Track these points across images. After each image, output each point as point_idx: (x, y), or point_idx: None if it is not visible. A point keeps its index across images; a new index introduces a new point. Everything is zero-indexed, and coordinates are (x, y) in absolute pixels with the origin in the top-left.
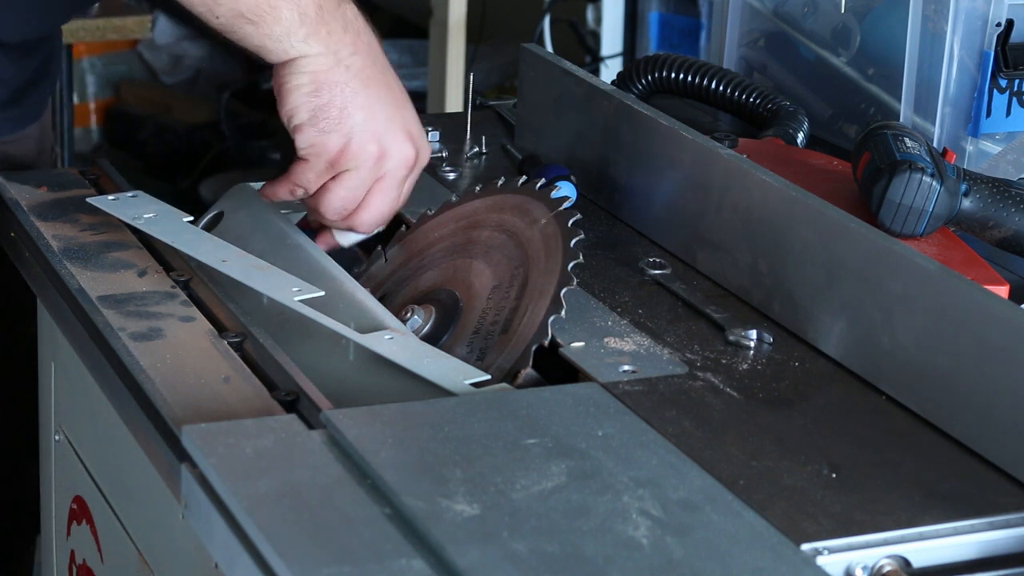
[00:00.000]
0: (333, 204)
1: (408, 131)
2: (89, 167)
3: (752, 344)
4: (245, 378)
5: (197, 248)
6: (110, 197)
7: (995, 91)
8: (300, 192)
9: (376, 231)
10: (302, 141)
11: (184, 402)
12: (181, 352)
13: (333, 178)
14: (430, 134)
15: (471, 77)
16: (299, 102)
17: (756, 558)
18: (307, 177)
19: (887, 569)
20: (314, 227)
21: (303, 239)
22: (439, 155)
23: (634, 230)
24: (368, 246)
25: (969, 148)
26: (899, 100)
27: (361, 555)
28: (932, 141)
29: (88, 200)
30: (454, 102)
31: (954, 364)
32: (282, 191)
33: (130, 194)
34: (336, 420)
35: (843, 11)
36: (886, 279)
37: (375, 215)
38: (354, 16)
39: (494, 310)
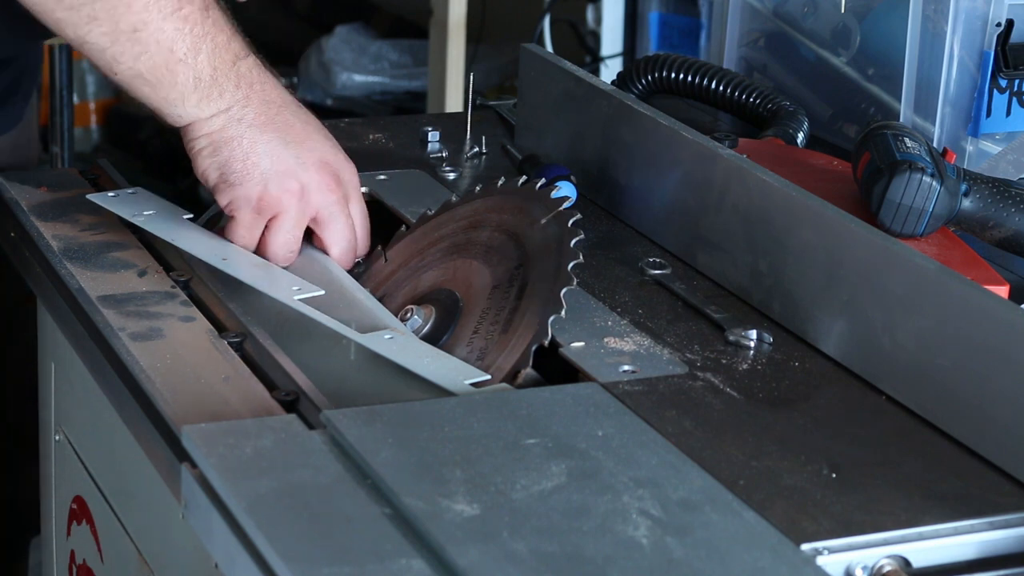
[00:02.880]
0: (277, 251)
1: (320, 160)
2: (89, 167)
3: (752, 344)
4: (245, 378)
5: (197, 246)
6: (110, 194)
7: (995, 91)
8: (247, 241)
9: (358, 258)
10: (221, 199)
11: (184, 402)
12: (181, 352)
13: (268, 228)
14: (430, 134)
15: (471, 77)
16: (205, 164)
17: (756, 558)
18: (240, 232)
19: (887, 569)
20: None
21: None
22: (439, 155)
23: (634, 230)
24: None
25: (969, 148)
26: (899, 100)
27: (361, 555)
28: (932, 141)
29: (87, 197)
30: (454, 102)
31: (954, 364)
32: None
33: (130, 191)
34: (336, 420)
35: (843, 11)
36: (886, 279)
37: (340, 245)
38: (248, 70)
39: (494, 310)
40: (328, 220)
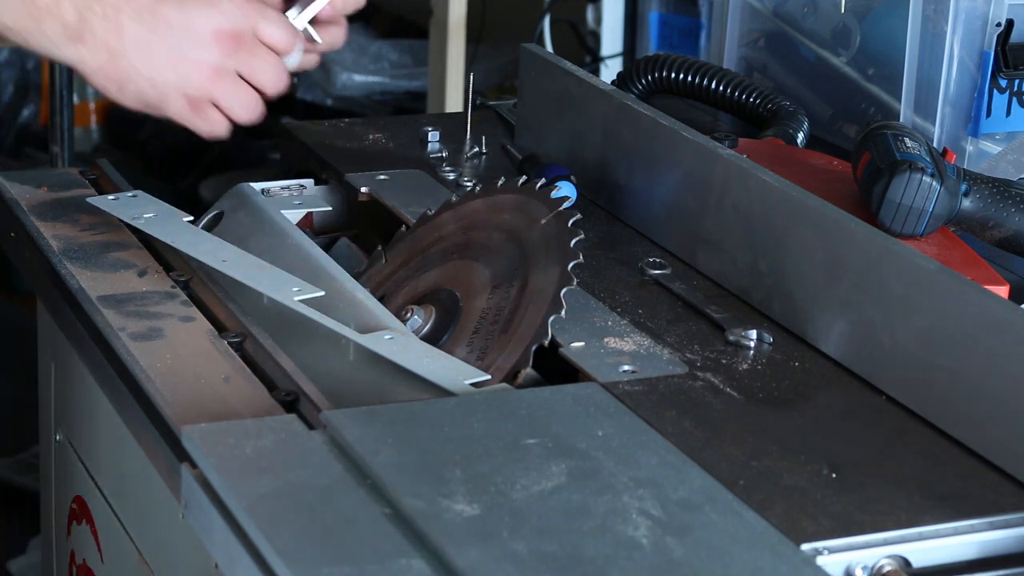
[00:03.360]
0: (243, 118)
1: (209, 32)
2: (89, 167)
3: (752, 344)
4: (245, 378)
5: (197, 248)
6: (110, 197)
7: (995, 91)
8: (219, 128)
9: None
10: (168, 114)
11: (184, 402)
12: (181, 352)
13: (219, 106)
14: (430, 134)
15: (471, 77)
16: (120, 100)
17: (756, 558)
18: (202, 129)
19: (887, 569)
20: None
21: (303, 239)
22: (439, 155)
23: (634, 230)
24: (369, 246)
25: (969, 148)
26: (899, 100)
27: (361, 555)
28: (932, 141)
29: (88, 200)
30: (454, 102)
31: (954, 364)
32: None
33: (130, 194)
34: (336, 420)
35: (843, 11)
36: (886, 279)
37: (276, 82)
38: None
39: (494, 310)
40: (250, 72)
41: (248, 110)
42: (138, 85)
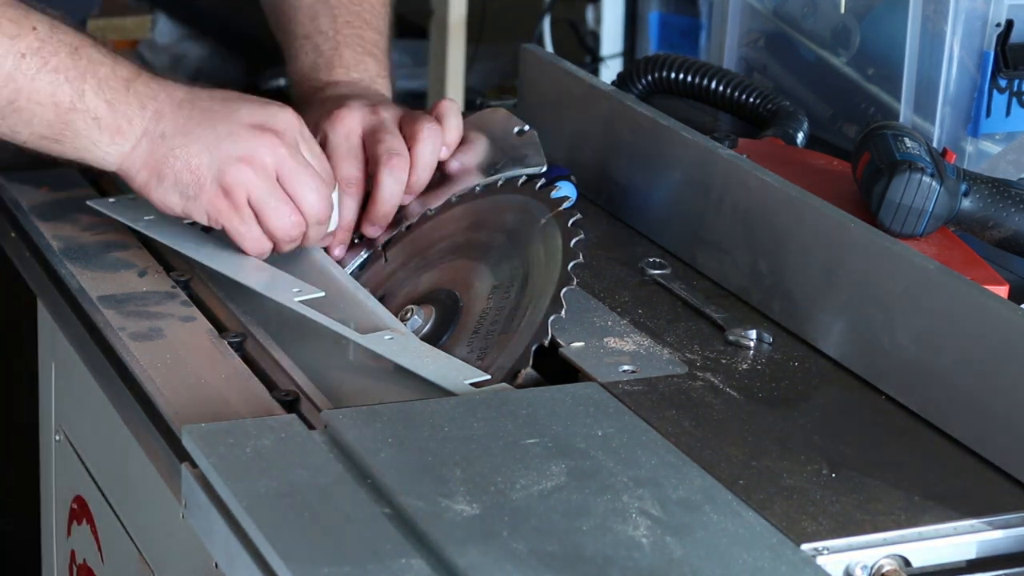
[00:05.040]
0: (280, 233)
1: (252, 125)
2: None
3: (752, 344)
4: (245, 378)
5: (197, 250)
6: (110, 200)
7: (995, 91)
8: (263, 247)
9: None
10: (199, 218)
11: (184, 402)
12: (181, 352)
13: (257, 215)
14: None
15: (471, 77)
16: (159, 195)
17: (756, 558)
18: (241, 236)
19: (887, 569)
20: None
21: None
22: None
23: (634, 230)
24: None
25: (969, 148)
26: (899, 100)
27: (361, 555)
28: (932, 141)
29: (88, 203)
30: None
31: (954, 364)
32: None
33: (130, 196)
34: (336, 420)
35: (843, 11)
36: (886, 279)
37: (309, 196)
38: (145, 86)
39: (494, 310)
40: (289, 175)
41: (286, 225)
42: (175, 169)
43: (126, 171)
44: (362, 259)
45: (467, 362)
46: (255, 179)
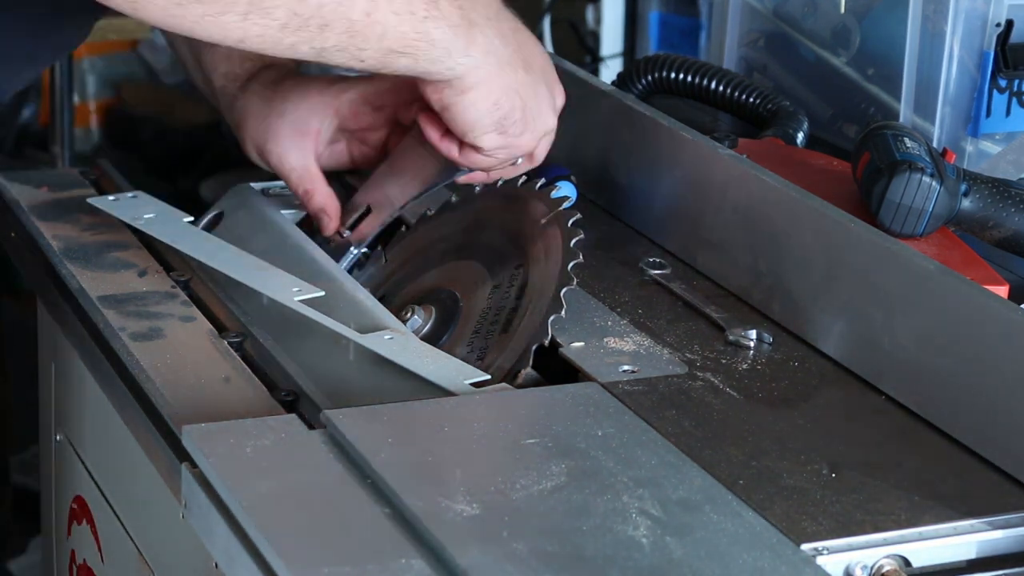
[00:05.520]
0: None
1: (552, 108)
2: (89, 167)
3: (752, 344)
4: (245, 378)
5: (197, 249)
6: (110, 197)
7: (995, 91)
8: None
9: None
10: (488, 143)
11: (184, 402)
12: (181, 352)
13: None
14: None
15: None
16: (478, 118)
17: (756, 558)
18: (488, 163)
19: (887, 569)
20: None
21: (303, 239)
22: None
23: (634, 230)
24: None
25: (969, 148)
26: (899, 100)
27: (361, 555)
28: (932, 141)
29: (88, 201)
30: None
31: (954, 364)
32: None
33: (130, 194)
34: (336, 420)
35: (843, 11)
36: (886, 279)
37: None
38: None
39: (494, 310)
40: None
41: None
42: (511, 107)
43: (458, 85)
44: (355, 256)
45: (467, 362)
46: (540, 154)
